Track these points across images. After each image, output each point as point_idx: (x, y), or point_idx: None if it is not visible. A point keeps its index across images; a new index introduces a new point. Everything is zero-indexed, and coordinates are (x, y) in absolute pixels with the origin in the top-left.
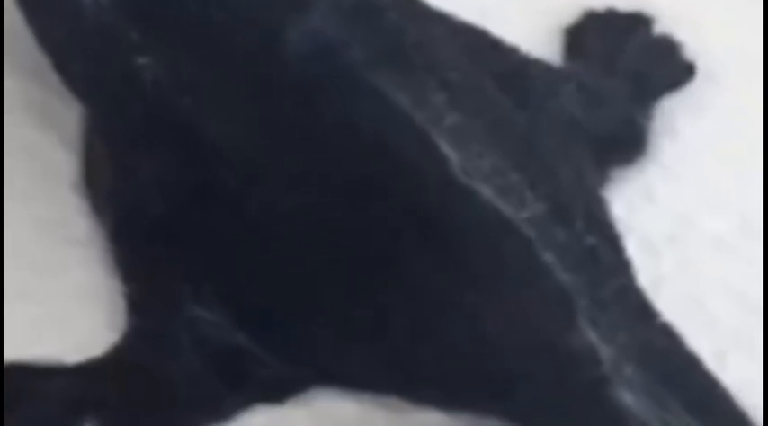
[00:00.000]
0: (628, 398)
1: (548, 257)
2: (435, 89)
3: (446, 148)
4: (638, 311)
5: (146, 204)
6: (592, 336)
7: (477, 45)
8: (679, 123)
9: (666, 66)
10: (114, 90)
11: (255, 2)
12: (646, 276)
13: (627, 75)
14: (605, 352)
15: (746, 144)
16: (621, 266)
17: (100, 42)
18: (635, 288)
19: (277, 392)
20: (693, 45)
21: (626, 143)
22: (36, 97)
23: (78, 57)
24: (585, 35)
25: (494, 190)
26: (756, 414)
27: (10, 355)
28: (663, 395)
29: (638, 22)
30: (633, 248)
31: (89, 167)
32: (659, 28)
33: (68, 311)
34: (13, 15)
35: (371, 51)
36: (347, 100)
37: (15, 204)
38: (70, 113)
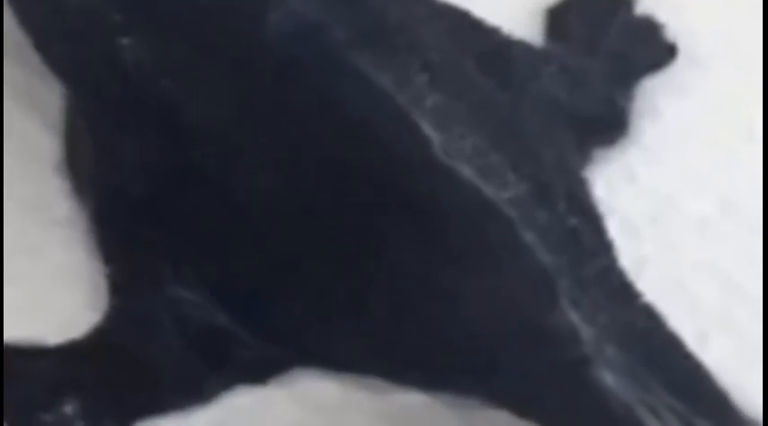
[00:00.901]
0: (609, 379)
1: (529, 238)
2: (417, 70)
3: (428, 129)
4: (620, 292)
5: (127, 185)
6: (573, 317)
7: (459, 26)
8: (661, 104)
9: (648, 47)
10: (96, 71)
11: None
12: (627, 257)
13: (608, 56)
14: (587, 333)
15: (728, 125)
16: (603, 247)
17: (81, 23)
18: (616, 270)
19: (259, 373)
20: (675, 26)
21: (607, 124)
22: (18, 78)
23: (60, 37)
24: (567, 16)
25: (475, 171)
26: (737, 394)
27: None
28: (644, 376)
29: (620, 2)
30: (615, 229)
31: (71, 148)
32: (641, 9)
33: (50, 292)
34: None
35: (353, 32)
36: (329, 80)
37: None
38: (52, 94)
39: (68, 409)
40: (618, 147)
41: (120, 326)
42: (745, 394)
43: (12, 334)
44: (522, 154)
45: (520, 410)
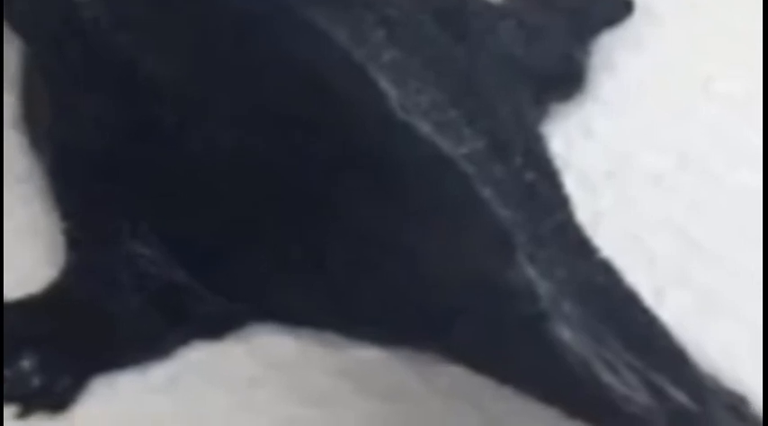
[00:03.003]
0: (566, 334)
1: (486, 193)
2: (373, 25)
3: (384, 84)
4: (577, 247)
5: (84, 141)
6: (530, 272)
7: None
8: (618, 59)
9: (605, 3)
10: (53, 27)
11: None
12: (584, 212)
13: (566, 11)
14: (544, 288)
15: (685, 80)
16: (560, 202)
17: None
18: (573, 225)
19: (216, 328)
20: None
21: (564, 79)
22: None
23: None
24: None
25: (432, 126)
26: (694, 349)
27: None
28: (601, 331)
29: None
30: (572, 184)
31: (29, 105)
32: None
33: (8, 248)
34: None
35: None
36: (285, 36)
37: None
38: (10, 50)
39: (26, 364)
40: (575, 102)
41: (78, 282)
42: (701, 349)
43: None
44: (479, 109)
45: (476, 365)
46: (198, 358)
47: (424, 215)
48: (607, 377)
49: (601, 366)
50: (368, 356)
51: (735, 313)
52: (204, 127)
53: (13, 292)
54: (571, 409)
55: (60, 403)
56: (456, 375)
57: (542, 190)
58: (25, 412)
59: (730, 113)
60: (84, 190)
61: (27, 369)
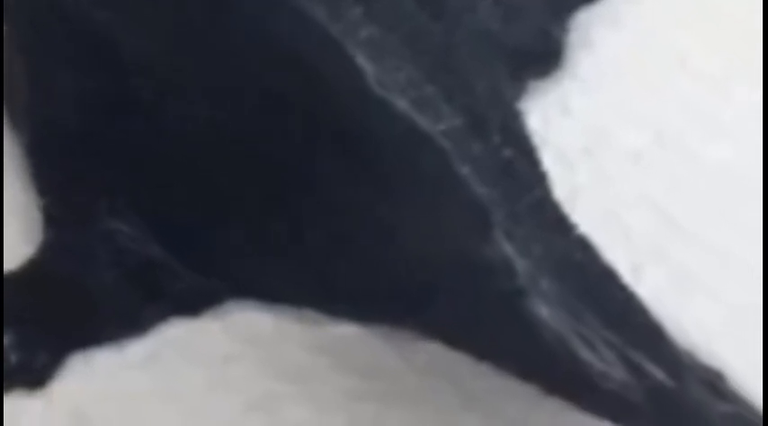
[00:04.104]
0: (543, 311)
1: (464, 170)
2: (351, 1)
3: (362, 61)
4: (555, 224)
5: (62, 117)
6: (507, 249)
7: None
8: (595, 36)
9: None
10: (32, 4)
11: None
12: (562, 189)
13: None
14: (521, 265)
15: (663, 57)
16: (537, 179)
17: None
18: (551, 201)
19: (193, 304)
20: None
21: (542, 56)
22: None
23: None
24: None
25: (410, 103)
26: (671, 326)
27: None
28: (578, 308)
29: None
30: (549, 161)
31: (7, 81)
32: None
33: None
34: None
35: None
36: (263, 12)
37: None
38: None
39: (3, 341)
40: (552, 79)
41: (55, 258)
42: (678, 326)
43: None
44: (456, 86)
45: (453, 341)
46: (175, 334)
47: (401, 191)
48: (584, 353)
49: (578, 342)
50: (345, 332)
51: (711, 289)
52: (181, 103)
53: None
54: (548, 385)
55: (38, 379)
56: (433, 352)
57: (519, 167)
58: (3, 388)
59: (707, 90)
60: (62, 166)
61: (4, 346)
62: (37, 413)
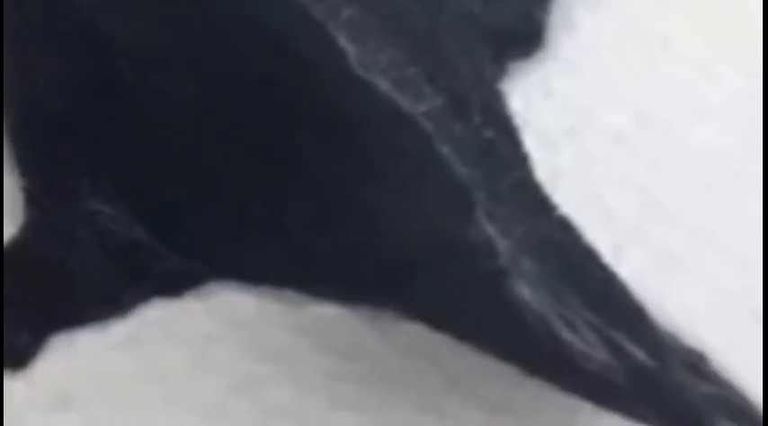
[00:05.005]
0: (525, 291)
1: (445, 150)
2: None
3: (343, 42)
4: (536, 204)
5: (45, 99)
6: (489, 229)
7: None
8: (577, 17)
9: None
10: None
11: None
12: (544, 170)
13: None
14: (502, 246)
15: (644, 38)
16: (519, 160)
17: None
18: (533, 182)
19: (175, 285)
20: None
21: (524, 37)
22: None
23: None
24: None
25: (391, 84)
26: (653, 307)
27: None
28: (560, 289)
29: None
30: (531, 142)
31: None
32: None
33: None
34: None
35: None
36: None
37: None
38: None
39: None
40: (534, 60)
41: (38, 239)
42: (660, 307)
43: None
44: (438, 67)
45: (435, 322)
46: (157, 315)
47: (382, 172)
48: (566, 334)
49: (559, 323)
50: (326, 313)
51: (693, 270)
52: (163, 84)
53: None
54: (530, 366)
55: (20, 360)
56: (415, 333)
57: (501, 148)
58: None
59: (690, 71)
60: (44, 147)
61: None
62: (19, 394)
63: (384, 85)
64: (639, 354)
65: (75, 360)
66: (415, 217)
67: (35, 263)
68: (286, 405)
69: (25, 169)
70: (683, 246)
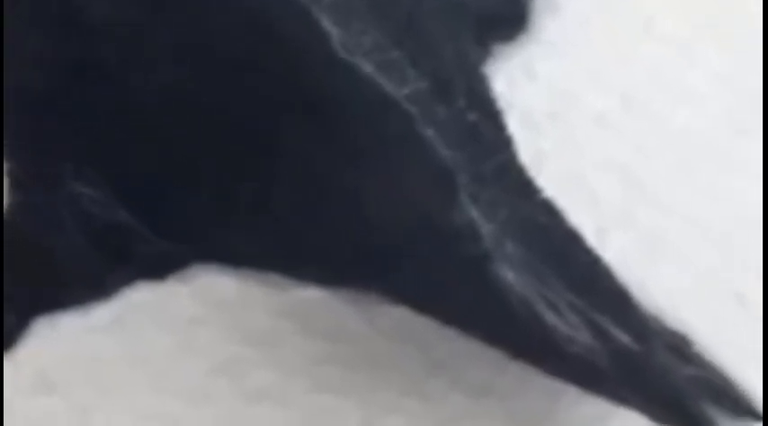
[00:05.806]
0: (508, 275)
1: (429, 133)
2: None
3: (327, 24)
4: (520, 188)
5: (27, 81)
6: (473, 212)
7: None
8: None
9: None
10: None
11: None
12: (527, 153)
13: None
14: (486, 229)
15: (628, 20)
16: (503, 143)
17: None
18: (516, 165)
19: (159, 268)
20: None
21: (507, 19)
22: None
23: None
24: None
25: (375, 67)
26: (636, 290)
27: None
28: (544, 272)
29: None
30: (515, 125)
31: None
32: None
33: None
34: None
35: None
36: None
37: None
38: None
39: None
40: (518, 43)
41: (21, 222)
42: (644, 290)
43: None
44: (421, 49)
45: (419, 306)
46: (141, 298)
47: (366, 155)
48: (549, 317)
49: (543, 306)
50: (310, 296)
51: (677, 253)
52: (147, 67)
53: None
54: (514, 349)
55: (3, 343)
56: (399, 316)
57: (485, 131)
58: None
59: (673, 54)
60: (28, 130)
61: None
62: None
63: (367, 68)
64: (623, 337)
65: (58, 344)
66: (398, 199)
67: (18, 246)
68: (269, 388)
69: (9, 151)
70: (666, 229)
